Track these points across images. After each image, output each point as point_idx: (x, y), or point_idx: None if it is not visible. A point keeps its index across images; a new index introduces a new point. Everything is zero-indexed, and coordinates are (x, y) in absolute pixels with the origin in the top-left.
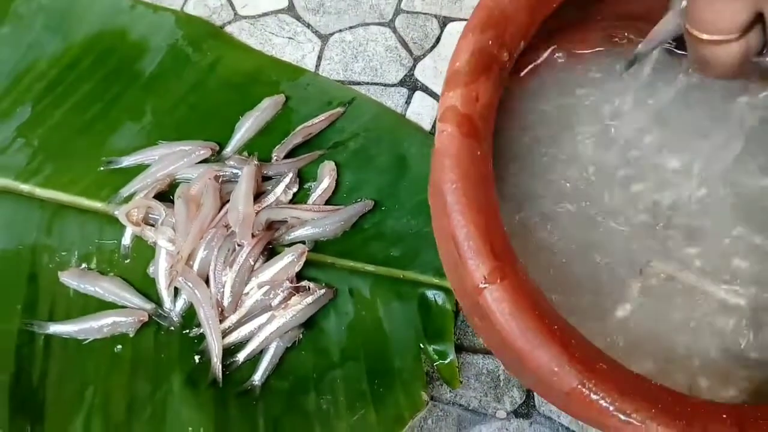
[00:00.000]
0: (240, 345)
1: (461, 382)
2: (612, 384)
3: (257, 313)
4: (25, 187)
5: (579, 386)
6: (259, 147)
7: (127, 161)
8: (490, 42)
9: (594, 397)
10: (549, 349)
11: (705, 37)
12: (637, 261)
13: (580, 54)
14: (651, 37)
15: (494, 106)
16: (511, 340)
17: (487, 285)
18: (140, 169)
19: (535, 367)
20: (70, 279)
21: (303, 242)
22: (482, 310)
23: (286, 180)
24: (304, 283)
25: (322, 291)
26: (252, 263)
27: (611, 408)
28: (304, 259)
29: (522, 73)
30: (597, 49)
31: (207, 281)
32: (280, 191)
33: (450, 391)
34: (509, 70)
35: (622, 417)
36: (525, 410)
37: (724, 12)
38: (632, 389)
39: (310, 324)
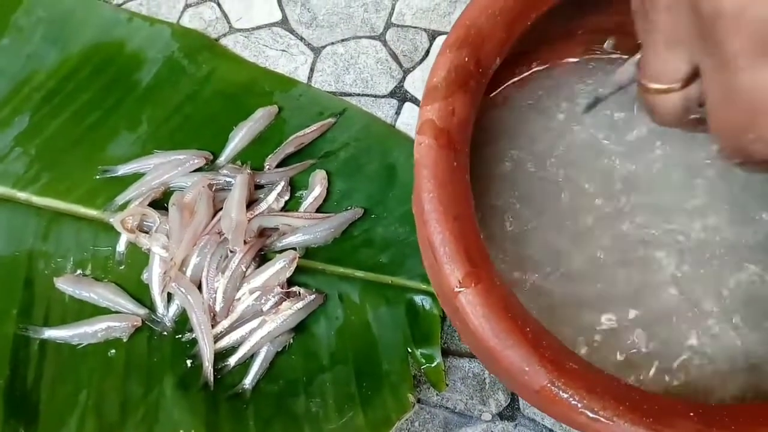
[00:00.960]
0: (231, 349)
1: (447, 385)
2: (581, 383)
3: (249, 318)
4: (22, 195)
5: (548, 384)
6: (252, 156)
7: (123, 170)
8: (467, 59)
9: (562, 395)
10: (519, 349)
11: (651, 86)
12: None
13: (561, 68)
14: (611, 82)
15: (471, 119)
16: (484, 340)
17: (462, 289)
18: (135, 177)
19: (507, 366)
20: (65, 285)
21: (294, 249)
22: (458, 312)
23: (278, 188)
24: (295, 288)
25: (312, 296)
26: (244, 269)
27: (579, 406)
28: (295, 264)
29: (504, 86)
30: (576, 60)
31: (200, 287)
32: (272, 199)
33: (436, 394)
34: (486, 85)
35: (590, 414)
36: (510, 413)
37: (668, 63)
38: (601, 388)
39: (300, 328)
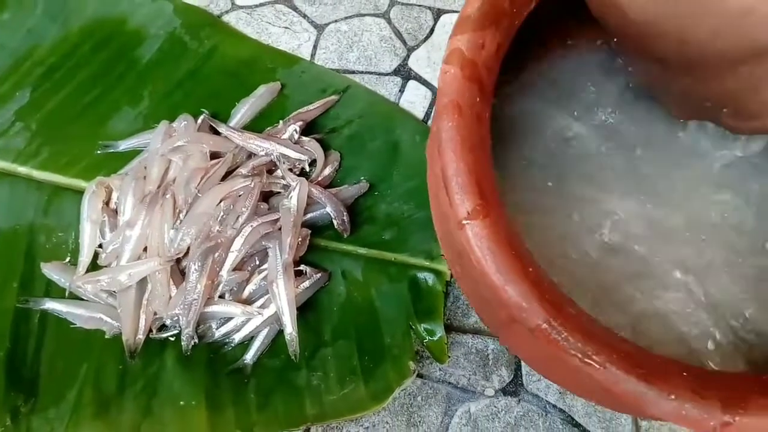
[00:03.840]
0: (237, 327)
1: (449, 358)
2: (577, 327)
3: (256, 298)
4: (23, 170)
5: (544, 324)
6: (255, 131)
7: (124, 145)
8: None
9: (556, 336)
10: (520, 285)
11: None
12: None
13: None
14: None
15: (499, 58)
16: (486, 274)
17: (469, 221)
18: (136, 153)
19: (506, 301)
20: (50, 271)
21: (309, 227)
22: (462, 245)
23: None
24: (302, 267)
25: (318, 275)
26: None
27: (572, 349)
28: (307, 242)
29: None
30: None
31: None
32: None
33: (440, 369)
34: (518, 27)
35: (583, 357)
36: (513, 388)
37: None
38: (596, 335)
39: (304, 305)
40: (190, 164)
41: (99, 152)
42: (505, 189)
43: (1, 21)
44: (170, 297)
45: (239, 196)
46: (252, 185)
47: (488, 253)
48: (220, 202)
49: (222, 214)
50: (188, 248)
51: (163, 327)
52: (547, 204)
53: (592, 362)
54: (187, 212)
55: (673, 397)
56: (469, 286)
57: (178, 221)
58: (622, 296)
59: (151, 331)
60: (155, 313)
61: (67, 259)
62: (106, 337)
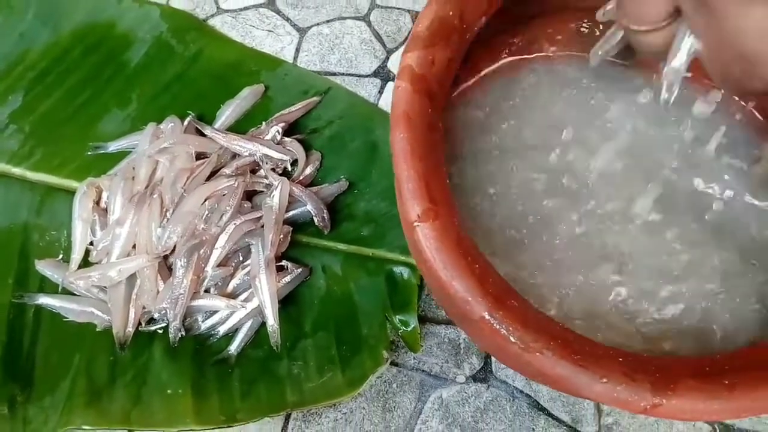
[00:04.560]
0: (221, 320)
1: (422, 347)
2: (517, 318)
3: (240, 292)
4: (16, 171)
5: (487, 316)
6: (239, 133)
7: (113, 147)
8: (451, 12)
9: (498, 326)
10: (465, 281)
11: (633, 27)
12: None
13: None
14: (598, 48)
15: (451, 70)
16: (435, 271)
17: (419, 223)
18: (125, 154)
19: (453, 295)
20: (44, 268)
21: (290, 225)
22: (415, 244)
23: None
24: (284, 263)
25: (299, 270)
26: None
27: (512, 337)
28: (288, 239)
29: (498, 63)
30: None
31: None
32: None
33: (414, 357)
34: (469, 42)
35: (521, 344)
36: (483, 375)
37: (648, 5)
38: (535, 324)
39: (285, 298)
40: (176, 165)
41: (89, 153)
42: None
43: None
44: (158, 292)
45: (223, 195)
46: (236, 185)
47: (436, 252)
48: (205, 201)
49: (207, 212)
50: (175, 245)
51: (151, 320)
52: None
53: (530, 349)
54: (173, 211)
55: (605, 380)
56: (423, 273)
57: (165, 220)
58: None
59: (140, 324)
60: (144, 307)
61: (60, 257)
62: (97, 330)
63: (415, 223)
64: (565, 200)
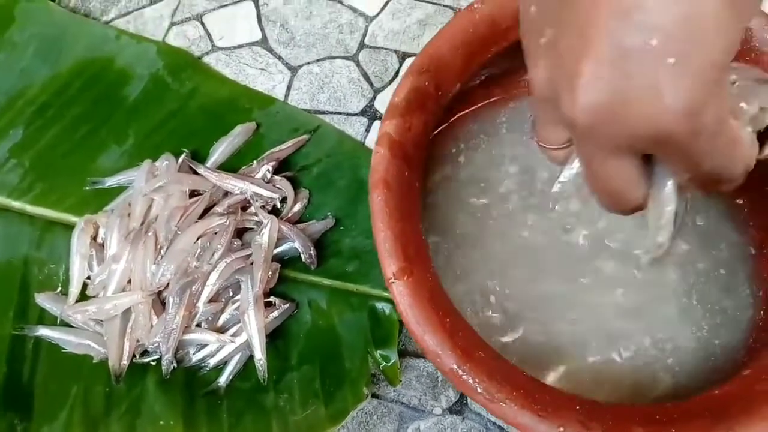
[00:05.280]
0: (211, 353)
1: (401, 381)
2: (484, 369)
3: (230, 326)
4: (16, 204)
5: (456, 368)
6: (231, 170)
7: (110, 182)
8: (427, 83)
9: (465, 377)
10: (435, 335)
11: (542, 145)
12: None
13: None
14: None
15: (427, 135)
16: (409, 324)
17: (394, 280)
18: (122, 189)
19: (425, 348)
20: (44, 301)
21: (279, 261)
22: (393, 299)
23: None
24: (272, 298)
25: (286, 305)
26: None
27: (479, 388)
28: (276, 275)
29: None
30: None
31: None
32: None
33: (393, 390)
34: (444, 107)
35: (487, 395)
36: (458, 408)
37: (551, 134)
38: (501, 375)
39: (273, 332)
40: (170, 203)
41: (87, 188)
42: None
43: None
44: (152, 326)
45: (215, 233)
46: (227, 223)
47: (409, 308)
48: (198, 239)
49: (199, 250)
50: (168, 282)
51: (145, 353)
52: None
53: (494, 399)
54: (167, 249)
55: (561, 429)
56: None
57: (160, 257)
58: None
59: (134, 356)
60: (138, 341)
61: (59, 290)
62: (93, 361)
63: (391, 280)
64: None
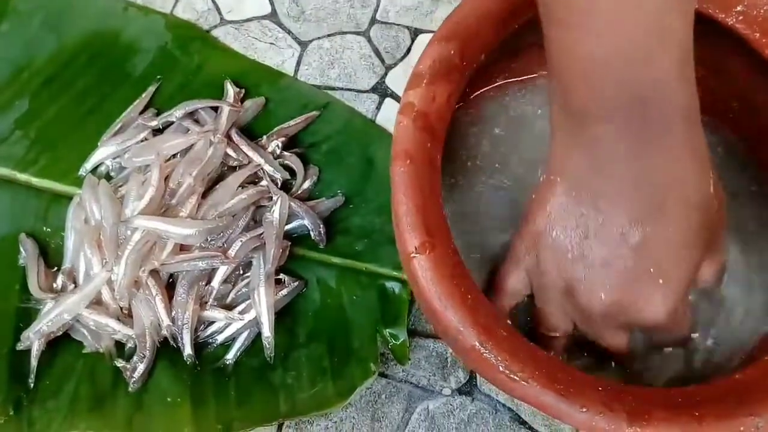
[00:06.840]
0: (219, 329)
1: (410, 360)
2: (506, 347)
3: (238, 303)
4: (22, 177)
5: (478, 345)
6: None
7: None
8: (452, 51)
9: (487, 355)
10: (458, 312)
11: (546, 333)
12: None
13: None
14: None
15: (450, 107)
16: (430, 301)
17: (416, 255)
18: None
19: (447, 325)
20: None
21: (288, 238)
22: (412, 274)
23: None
24: (281, 276)
25: (296, 284)
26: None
27: (501, 366)
28: (287, 253)
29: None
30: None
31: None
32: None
33: (402, 370)
34: (468, 78)
35: (509, 374)
36: (468, 389)
37: (555, 322)
38: (523, 354)
39: (282, 310)
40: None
41: None
42: None
43: (0, 32)
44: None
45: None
46: (248, 199)
47: (431, 283)
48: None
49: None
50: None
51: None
52: None
53: (516, 378)
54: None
55: (584, 409)
56: (420, 302)
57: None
58: None
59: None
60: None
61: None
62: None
63: (413, 255)
64: None
